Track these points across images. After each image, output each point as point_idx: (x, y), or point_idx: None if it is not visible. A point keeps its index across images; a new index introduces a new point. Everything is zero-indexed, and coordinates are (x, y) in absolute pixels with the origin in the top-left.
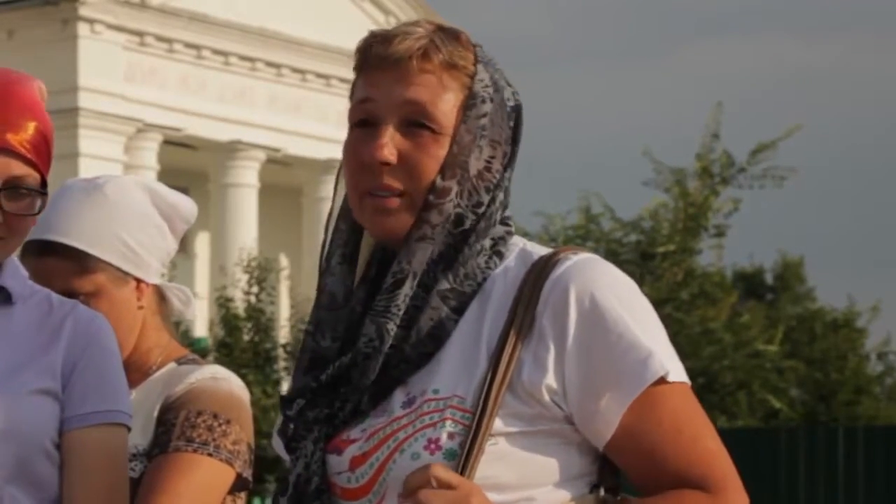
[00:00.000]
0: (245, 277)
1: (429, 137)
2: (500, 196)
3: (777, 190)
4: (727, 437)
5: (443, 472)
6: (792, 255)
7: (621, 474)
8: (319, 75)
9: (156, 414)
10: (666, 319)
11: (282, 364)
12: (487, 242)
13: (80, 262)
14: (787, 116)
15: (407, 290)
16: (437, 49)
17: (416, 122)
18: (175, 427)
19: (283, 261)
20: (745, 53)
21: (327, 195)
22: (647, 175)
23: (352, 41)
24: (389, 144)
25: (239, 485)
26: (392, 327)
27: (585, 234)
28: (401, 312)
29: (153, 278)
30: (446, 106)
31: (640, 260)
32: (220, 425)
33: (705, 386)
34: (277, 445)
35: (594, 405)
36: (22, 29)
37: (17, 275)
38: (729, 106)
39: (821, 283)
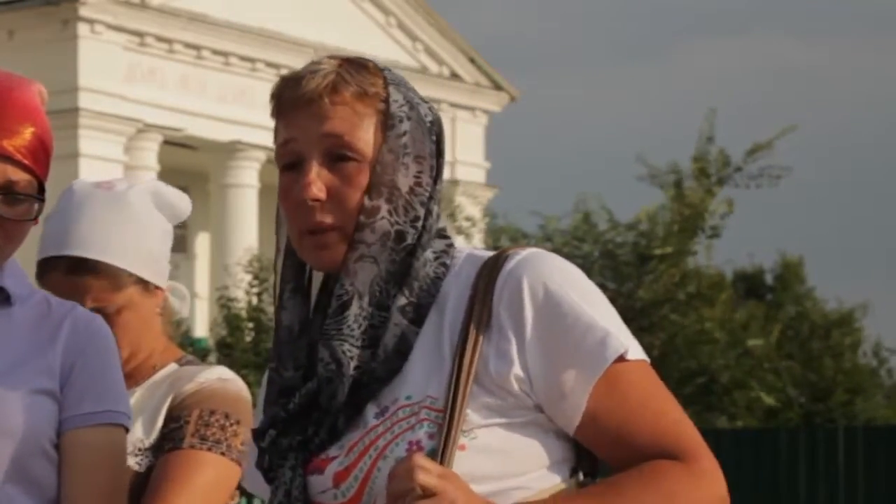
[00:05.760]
0: (248, 277)
1: (353, 167)
2: (435, 208)
3: (777, 190)
4: (727, 437)
5: (425, 476)
6: (791, 254)
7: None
8: None
9: (164, 410)
10: (663, 321)
11: None
12: (430, 254)
13: (114, 278)
14: (785, 116)
15: (356, 309)
16: (345, 81)
17: (339, 155)
18: (189, 424)
19: None
20: (743, 53)
21: None
22: (642, 176)
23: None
24: (317, 181)
25: (241, 485)
26: (348, 348)
27: (582, 236)
28: (356, 332)
29: (165, 283)
30: (365, 134)
31: (637, 262)
32: (231, 425)
33: (705, 386)
34: (249, 483)
35: (560, 390)
36: (22, 29)
37: (15, 275)
38: (726, 106)
39: (820, 283)
